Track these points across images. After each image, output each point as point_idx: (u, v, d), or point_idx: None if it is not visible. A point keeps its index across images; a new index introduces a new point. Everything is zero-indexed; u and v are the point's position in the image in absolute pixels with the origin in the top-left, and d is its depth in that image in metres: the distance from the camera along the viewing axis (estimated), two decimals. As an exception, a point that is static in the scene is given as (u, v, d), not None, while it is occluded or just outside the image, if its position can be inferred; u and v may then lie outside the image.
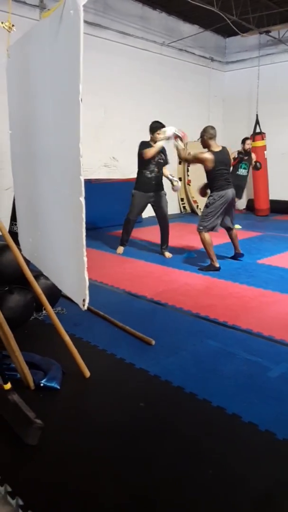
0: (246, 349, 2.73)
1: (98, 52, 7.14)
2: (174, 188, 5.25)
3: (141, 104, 7.97)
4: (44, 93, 2.02)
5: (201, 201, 9.15)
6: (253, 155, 7.63)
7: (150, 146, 4.91)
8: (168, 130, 4.72)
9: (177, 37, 8.41)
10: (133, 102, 7.85)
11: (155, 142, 4.92)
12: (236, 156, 7.31)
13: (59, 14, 1.72)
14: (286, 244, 5.86)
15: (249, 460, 1.76)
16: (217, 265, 4.53)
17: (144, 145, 4.96)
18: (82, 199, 1.65)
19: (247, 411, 2.07)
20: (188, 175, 9.11)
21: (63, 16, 1.68)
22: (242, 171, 7.37)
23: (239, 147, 7.59)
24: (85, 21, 6.97)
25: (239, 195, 6.94)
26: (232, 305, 3.54)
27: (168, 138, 4.77)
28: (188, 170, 9.09)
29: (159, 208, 5.18)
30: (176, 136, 4.58)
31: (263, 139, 8.41)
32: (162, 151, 5.05)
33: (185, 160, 4.53)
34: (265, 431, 1.92)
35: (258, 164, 7.61)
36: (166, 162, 5.18)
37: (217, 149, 4.42)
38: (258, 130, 8.60)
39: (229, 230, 4.82)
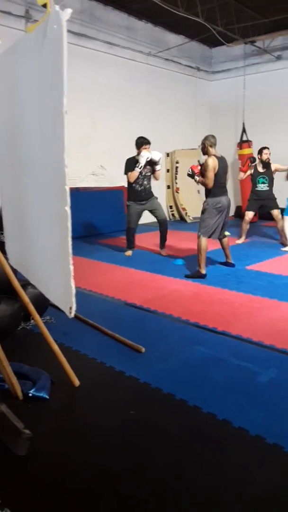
0: (236, 355, 2.73)
1: (85, 62, 7.19)
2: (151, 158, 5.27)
3: (128, 113, 8.04)
4: (30, 105, 2.03)
5: (190, 209, 9.23)
6: (273, 167, 6.29)
7: (135, 161, 5.25)
8: (142, 158, 5.11)
9: (163, 47, 8.52)
10: (120, 111, 7.91)
11: None
12: (251, 171, 6.36)
13: (43, 28, 1.74)
14: (274, 250, 5.92)
15: (240, 465, 1.76)
16: (204, 272, 4.55)
17: (128, 164, 5.32)
18: (68, 209, 1.65)
19: (237, 416, 2.07)
20: (176, 183, 9.17)
21: (47, 30, 1.69)
22: (261, 186, 6.29)
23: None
24: (72, 32, 7.05)
25: (272, 207, 6.29)
26: (222, 311, 3.55)
27: (143, 167, 5.19)
28: (176, 178, 9.16)
29: (157, 211, 5.56)
30: (191, 176, 4.76)
31: (249, 147, 8.52)
32: (149, 162, 5.30)
33: (209, 181, 4.47)
34: (256, 436, 1.93)
35: (252, 159, 6.35)
36: (155, 164, 5.38)
37: (217, 155, 4.54)
38: (245, 138, 8.72)
39: (221, 238, 4.86)
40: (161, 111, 8.78)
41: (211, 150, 4.53)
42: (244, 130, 8.78)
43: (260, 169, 6.28)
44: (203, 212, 4.64)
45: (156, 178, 5.52)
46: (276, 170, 6.33)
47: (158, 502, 1.58)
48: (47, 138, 1.84)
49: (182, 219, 9.20)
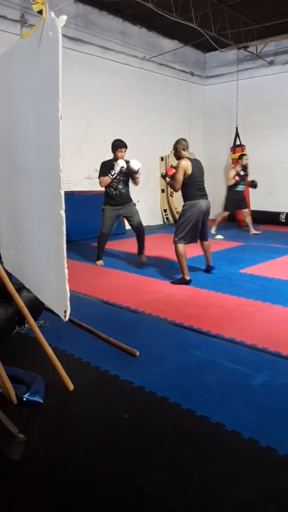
0: (229, 358, 2.75)
1: (80, 66, 7.22)
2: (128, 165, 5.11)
3: (123, 117, 8.07)
4: (25, 110, 2.05)
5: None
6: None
7: (110, 166, 5.06)
8: (117, 166, 4.99)
9: (157, 52, 8.57)
10: (115, 115, 7.94)
11: (116, 160, 5.07)
12: (238, 178, 7.35)
13: (38, 34, 1.76)
14: (267, 254, 5.96)
15: (234, 468, 1.77)
16: (188, 277, 4.47)
17: (102, 168, 5.14)
18: (63, 212, 1.67)
19: (230, 419, 2.08)
20: (166, 182, 9.21)
21: (43, 36, 1.71)
22: (240, 187, 7.52)
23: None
24: (67, 36, 7.09)
25: (243, 206, 7.63)
26: (215, 314, 3.57)
27: (120, 173, 5.05)
28: (170, 182, 9.19)
29: (131, 217, 5.31)
30: (163, 176, 4.75)
31: (243, 151, 8.58)
32: (126, 174, 5.11)
33: (177, 183, 4.48)
34: (249, 439, 1.94)
35: (254, 183, 7.58)
36: (133, 173, 5.12)
37: (190, 157, 4.47)
38: (238, 142, 8.79)
39: (202, 240, 4.74)
40: (155, 115, 8.83)
41: (184, 153, 4.45)
42: (237, 135, 8.85)
43: (242, 173, 7.38)
44: (179, 217, 4.55)
45: (135, 184, 5.27)
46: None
47: (151, 505, 1.59)
48: (42, 143, 1.86)
49: (176, 222, 9.21)
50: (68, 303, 1.73)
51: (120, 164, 4.99)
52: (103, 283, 4.57)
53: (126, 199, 5.25)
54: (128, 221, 5.37)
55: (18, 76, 2.12)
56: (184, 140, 4.55)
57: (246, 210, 7.68)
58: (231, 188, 7.51)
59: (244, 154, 7.67)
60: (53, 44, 1.60)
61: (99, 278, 4.75)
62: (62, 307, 1.79)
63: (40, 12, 1.73)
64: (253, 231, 7.71)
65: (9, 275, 2.64)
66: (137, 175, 5.13)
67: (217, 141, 9.86)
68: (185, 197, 4.51)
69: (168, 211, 9.42)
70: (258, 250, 6.24)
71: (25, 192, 2.30)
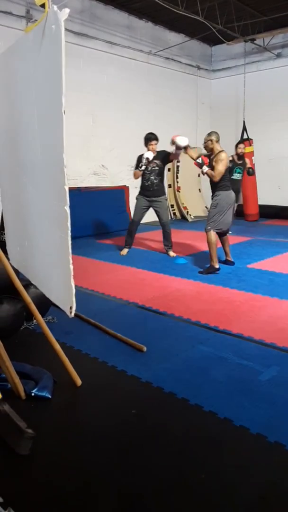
0: (237, 354, 2.74)
1: (85, 61, 7.20)
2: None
3: (129, 112, 8.04)
4: (29, 105, 2.04)
5: (191, 208, 9.23)
6: (247, 160, 7.51)
7: (140, 159, 5.26)
8: (143, 158, 5.14)
9: (163, 46, 8.51)
10: (121, 110, 7.91)
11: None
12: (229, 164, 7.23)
13: (41, 28, 1.75)
14: (275, 249, 5.92)
15: (242, 464, 1.76)
16: (217, 266, 4.61)
17: (136, 162, 5.35)
18: (67, 208, 1.66)
19: (238, 415, 2.08)
20: (177, 182, 9.18)
21: (45, 30, 1.70)
22: (237, 175, 7.19)
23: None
24: (72, 31, 7.07)
25: (237, 199, 7.04)
26: (223, 309, 3.56)
27: (146, 165, 5.21)
28: (177, 177, 9.16)
29: (159, 213, 5.53)
30: (199, 165, 4.68)
31: (250, 145, 8.51)
32: (157, 158, 5.29)
33: (218, 175, 4.47)
34: (257, 435, 1.93)
35: (250, 170, 7.45)
36: (166, 161, 5.37)
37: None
38: (245, 136, 8.71)
39: (222, 235, 4.84)
40: (162, 109, 8.78)
41: (218, 145, 4.55)
42: (244, 128, 8.77)
43: (237, 160, 7.12)
44: (214, 206, 4.62)
45: (172, 159, 5.40)
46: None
47: (159, 502, 1.59)
48: (46, 138, 1.85)
49: (183, 218, 9.20)
50: (74, 299, 1.73)
51: (146, 155, 5.16)
52: (110, 279, 4.57)
53: (157, 192, 5.45)
54: (157, 215, 5.57)
55: (22, 71, 2.11)
56: (216, 132, 4.63)
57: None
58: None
59: (241, 142, 7.36)
60: (56, 37, 1.59)
61: (106, 274, 4.75)
62: (68, 303, 1.79)
63: (43, 6, 1.72)
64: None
65: (16, 271, 2.65)
66: (180, 151, 5.12)
67: (224, 135, 9.69)
68: (218, 188, 4.60)
69: (175, 207, 9.39)
70: (265, 245, 6.20)
71: (30, 188, 2.30)
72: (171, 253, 5.54)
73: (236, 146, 7.23)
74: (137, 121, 8.03)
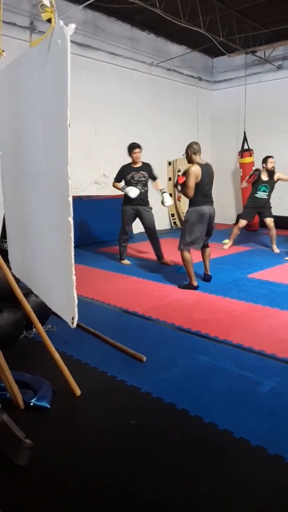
0: (237, 364, 2.73)
1: (88, 72, 7.27)
2: (163, 203, 5.43)
3: (131, 122, 8.10)
4: (34, 117, 2.06)
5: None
6: (276, 176, 6.35)
7: (128, 169, 5.43)
8: (131, 193, 5.32)
9: (165, 58, 8.60)
10: (123, 120, 7.97)
11: (134, 162, 5.44)
12: (248, 179, 6.48)
13: (47, 43, 1.77)
14: (275, 259, 5.92)
15: (241, 476, 1.75)
16: (195, 284, 4.44)
17: (118, 174, 5.50)
18: (71, 219, 1.68)
19: (238, 426, 2.07)
20: (178, 191, 9.20)
21: (51, 45, 1.73)
22: (261, 194, 6.40)
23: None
24: (76, 42, 7.14)
25: (266, 215, 6.48)
26: (223, 319, 3.56)
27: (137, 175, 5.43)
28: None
29: (143, 220, 5.56)
30: (175, 186, 4.77)
31: (251, 156, 8.56)
32: (144, 169, 5.42)
33: (189, 190, 4.39)
34: (257, 447, 1.92)
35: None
36: (153, 178, 5.51)
37: (201, 163, 4.43)
38: (246, 147, 8.76)
39: (203, 248, 4.69)
40: (163, 120, 8.85)
41: (195, 157, 4.39)
42: (245, 139, 8.83)
43: (265, 177, 6.38)
44: (184, 223, 4.51)
45: (154, 187, 5.57)
46: (278, 179, 6.44)
47: (159, 512, 1.58)
48: (50, 150, 1.87)
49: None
50: (76, 310, 1.73)
51: (130, 194, 5.32)
52: (110, 287, 4.57)
53: (144, 201, 5.51)
54: (143, 223, 5.59)
55: (27, 84, 2.14)
56: (196, 143, 4.46)
57: (269, 220, 6.42)
58: (250, 195, 6.56)
59: (270, 157, 6.35)
60: (62, 52, 1.62)
61: (106, 283, 4.75)
62: (70, 314, 1.79)
63: (49, 20, 1.75)
64: (275, 248, 6.42)
65: (17, 279, 2.66)
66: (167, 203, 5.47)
67: (225, 145, 9.85)
68: (190, 203, 4.49)
69: (175, 216, 9.41)
70: (266, 255, 6.20)
71: (33, 199, 2.32)
72: (169, 262, 5.54)
73: (265, 160, 6.31)
74: (138, 131, 8.09)
